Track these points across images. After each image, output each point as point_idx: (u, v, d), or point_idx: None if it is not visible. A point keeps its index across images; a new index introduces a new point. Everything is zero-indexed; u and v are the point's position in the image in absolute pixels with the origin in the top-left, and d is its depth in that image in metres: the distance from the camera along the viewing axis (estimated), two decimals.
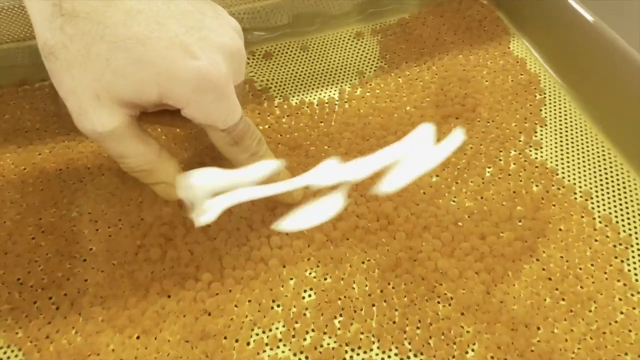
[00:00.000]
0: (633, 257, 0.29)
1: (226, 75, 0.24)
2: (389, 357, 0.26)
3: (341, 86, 0.38)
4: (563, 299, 0.27)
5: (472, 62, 0.39)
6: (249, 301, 0.28)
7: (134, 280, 0.28)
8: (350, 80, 0.38)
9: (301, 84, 0.38)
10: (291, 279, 0.29)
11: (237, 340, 0.27)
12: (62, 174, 0.32)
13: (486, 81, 0.38)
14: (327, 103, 0.37)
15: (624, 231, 0.30)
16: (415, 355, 0.26)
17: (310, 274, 0.29)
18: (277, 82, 0.38)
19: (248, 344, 0.27)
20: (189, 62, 0.23)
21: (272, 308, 0.28)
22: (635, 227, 0.30)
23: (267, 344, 0.27)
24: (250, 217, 0.31)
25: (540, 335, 0.26)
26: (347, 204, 0.31)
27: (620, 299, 0.27)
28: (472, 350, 0.26)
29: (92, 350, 0.26)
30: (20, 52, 0.38)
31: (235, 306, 0.28)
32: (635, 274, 0.28)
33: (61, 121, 0.35)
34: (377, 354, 0.26)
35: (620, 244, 0.29)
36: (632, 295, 0.28)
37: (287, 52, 0.40)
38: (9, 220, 0.30)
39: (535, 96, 0.37)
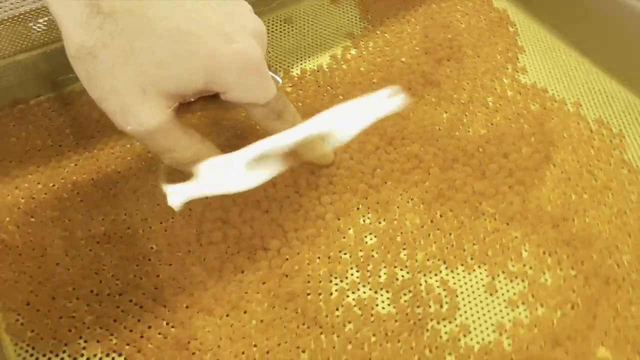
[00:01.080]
0: (628, 146, 0.34)
1: (262, 55, 0.26)
2: (458, 274, 0.29)
3: (335, 50, 0.40)
4: (585, 193, 0.32)
5: (446, 8, 0.42)
6: (319, 258, 0.30)
7: (206, 264, 0.29)
8: (342, 43, 0.40)
9: (296, 55, 0.39)
10: (349, 228, 0.31)
11: (320, 294, 0.29)
12: (96, 183, 0.32)
13: (462, 24, 0.41)
14: (327, 68, 0.38)
15: (615, 128, 0.35)
16: (479, 267, 0.29)
17: (365, 221, 0.31)
18: (272, 58, 0.39)
19: (331, 294, 0.29)
20: (232, 48, 0.24)
21: (341, 257, 0.30)
22: (623, 123, 0.35)
23: (348, 289, 0.29)
24: (294, 183, 0.32)
25: (577, 225, 0.30)
26: (377, 152, 0.33)
27: (629, 183, 0.32)
28: (525, 250, 0.30)
29: (190, 336, 0.27)
30: (6, 71, 0.36)
31: (308, 264, 0.30)
32: (635, 161, 0.33)
33: (78, 132, 0.34)
34: (447, 274, 0.29)
35: (615, 138, 0.34)
36: (637, 177, 0.32)
37: (273, 28, 0.41)
38: (58, 239, 0.30)
39: (509, 29, 0.41)
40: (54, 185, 0.32)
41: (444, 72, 0.38)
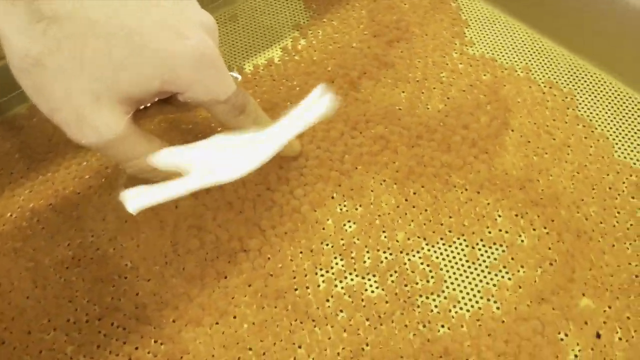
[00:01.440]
0: (579, 103, 0.35)
1: (216, 50, 0.25)
2: (439, 248, 0.30)
3: (284, 42, 0.39)
4: (546, 153, 0.33)
5: None
6: (301, 252, 0.29)
7: (186, 274, 0.28)
8: (290, 35, 0.40)
9: (246, 52, 0.39)
10: (327, 219, 0.31)
11: (307, 287, 0.28)
12: (55, 207, 0.31)
13: (405, 4, 0.41)
14: (279, 61, 0.38)
15: (565, 88, 0.36)
16: (458, 239, 0.30)
17: (341, 209, 0.31)
18: (223, 56, 0.38)
19: (318, 286, 0.28)
20: (184, 43, 0.23)
21: (323, 248, 0.30)
22: (572, 82, 0.36)
23: (335, 279, 0.29)
24: (264, 180, 0.32)
25: (542, 184, 0.32)
26: (343, 138, 0.33)
27: (585, 137, 0.34)
28: (499, 216, 0.31)
29: (181, 350, 0.26)
30: None
31: (291, 259, 0.29)
32: (587, 116, 0.35)
33: (29, 156, 0.32)
34: (429, 250, 0.30)
35: (567, 97, 0.36)
36: (592, 131, 0.34)
37: (219, 26, 0.40)
38: (25, 270, 0.28)
39: (451, 4, 0.41)
40: (11, 215, 0.30)
41: (396, 53, 0.38)
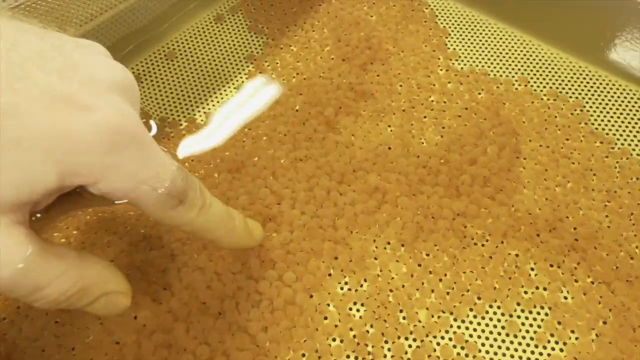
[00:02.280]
0: (591, 115, 0.31)
1: (136, 117, 0.18)
2: (471, 322, 0.24)
3: (238, 80, 0.33)
4: (568, 182, 0.28)
5: (348, 1, 0.36)
6: (303, 355, 0.23)
7: None
8: (244, 70, 0.33)
9: (192, 97, 0.32)
10: (328, 304, 0.25)
11: None
12: None
13: (372, 15, 0.36)
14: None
15: (571, 98, 0.31)
16: (491, 307, 0.25)
17: (343, 288, 0.25)
18: (166, 106, 0.31)
19: None
20: (88, 120, 0.16)
21: (331, 345, 0.24)
22: (577, 91, 0.32)
23: None
24: (244, 268, 0.25)
25: (573, 221, 0.27)
26: (331, 196, 0.27)
27: (606, 156, 0.29)
28: (532, 269, 0.25)
29: None
30: None
31: None
32: (603, 129, 0.30)
33: None
34: (459, 327, 0.24)
35: (576, 110, 0.31)
36: (612, 148, 0.29)
37: (154, 69, 0.33)
38: None
39: (424, 11, 0.36)
40: None
41: (372, 78, 0.32)
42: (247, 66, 0.33)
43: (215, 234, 0.21)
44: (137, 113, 0.19)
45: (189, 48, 0.34)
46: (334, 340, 0.24)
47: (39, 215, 0.19)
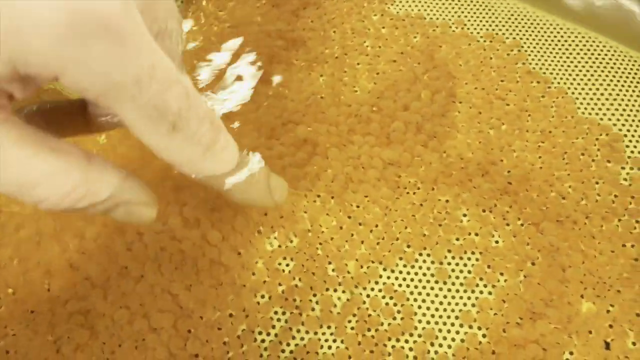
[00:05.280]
0: (529, 55, 0.30)
1: (122, 3, 0.14)
2: (400, 272, 0.24)
3: None
4: (503, 124, 0.27)
5: None
6: (230, 315, 0.23)
7: None
8: None
9: None
10: (256, 261, 0.24)
11: None
12: None
13: None
14: None
15: (507, 39, 0.30)
16: (421, 255, 0.24)
17: (272, 244, 0.24)
18: None
19: (260, 355, 0.22)
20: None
21: (259, 302, 0.23)
22: (514, 31, 0.31)
23: (280, 342, 0.22)
24: (165, 227, 0.24)
25: (506, 164, 0.26)
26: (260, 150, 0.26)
27: (542, 96, 0.28)
28: (464, 215, 0.25)
29: None
30: None
31: (219, 329, 0.22)
32: (540, 69, 0.29)
33: None
34: (389, 277, 0.24)
35: (512, 50, 0.30)
36: (549, 87, 0.28)
37: None
38: None
39: None
40: None
41: (305, 24, 0.31)
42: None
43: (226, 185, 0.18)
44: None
45: None
46: (262, 297, 0.23)
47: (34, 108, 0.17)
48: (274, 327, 0.23)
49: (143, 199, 0.17)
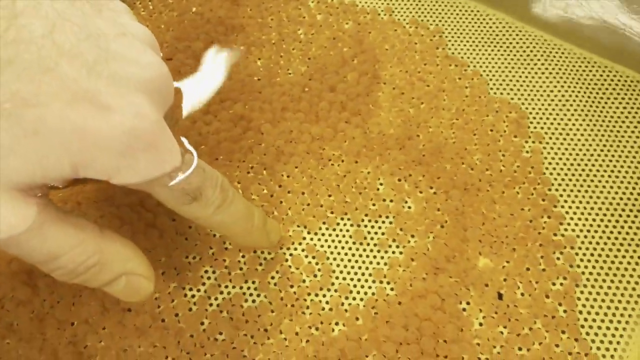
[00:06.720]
0: (448, 41, 0.32)
1: (158, 122, 0.18)
2: (323, 234, 0.26)
3: None
4: (422, 103, 0.30)
5: None
6: (163, 273, 0.25)
7: (21, 331, 0.23)
8: None
9: None
10: (190, 226, 0.26)
11: (176, 315, 0.24)
12: None
13: None
14: None
15: (431, 25, 0.33)
16: (342, 219, 0.26)
17: None
18: None
19: (190, 309, 0.24)
20: (107, 121, 0.16)
21: (190, 263, 0.25)
22: (437, 18, 0.33)
23: (208, 297, 0.24)
24: (107, 195, 0.26)
25: (422, 139, 0.29)
26: (196, 126, 0.28)
27: (459, 78, 0.31)
28: (381, 184, 0.27)
29: None
30: None
31: (156, 298, 0.25)
32: (458, 53, 0.32)
33: None
34: (311, 239, 0.26)
35: (434, 36, 0.32)
36: (465, 70, 0.31)
37: None
38: None
39: None
40: None
41: (244, 12, 0.33)
42: None
43: (230, 232, 0.22)
44: (163, 111, 0.19)
45: None
46: (193, 258, 0.25)
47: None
48: (203, 284, 0.25)
49: (145, 272, 0.20)
